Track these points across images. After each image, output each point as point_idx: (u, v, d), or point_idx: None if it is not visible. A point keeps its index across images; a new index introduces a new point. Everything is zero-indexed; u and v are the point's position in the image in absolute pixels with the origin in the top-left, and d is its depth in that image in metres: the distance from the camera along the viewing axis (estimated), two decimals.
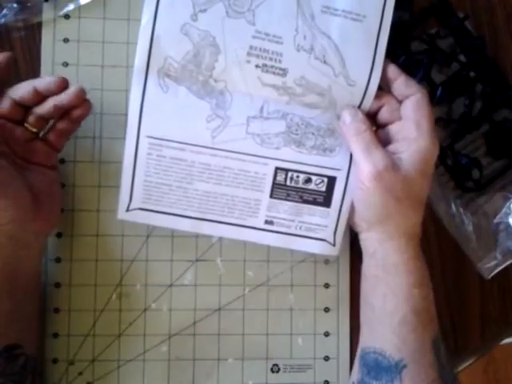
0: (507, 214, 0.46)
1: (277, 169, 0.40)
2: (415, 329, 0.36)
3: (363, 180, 0.37)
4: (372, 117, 0.39)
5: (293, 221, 0.41)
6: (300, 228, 0.41)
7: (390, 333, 0.37)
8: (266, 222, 0.41)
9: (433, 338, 0.37)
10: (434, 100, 0.45)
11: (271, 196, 0.40)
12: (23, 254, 0.37)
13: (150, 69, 0.37)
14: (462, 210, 0.46)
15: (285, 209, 0.41)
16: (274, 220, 0.41)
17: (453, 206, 0.46)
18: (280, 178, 0.40)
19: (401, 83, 0.37)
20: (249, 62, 0.37)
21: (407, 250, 0.38)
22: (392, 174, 0.36)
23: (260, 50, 0.37)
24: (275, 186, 0.40)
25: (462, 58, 0.46)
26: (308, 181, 0.40)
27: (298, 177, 0.40)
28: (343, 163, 0.40)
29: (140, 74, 0.37)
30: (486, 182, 0.46)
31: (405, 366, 0.36)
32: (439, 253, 0.46)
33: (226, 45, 0.37)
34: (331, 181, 0.40)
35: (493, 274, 0.46)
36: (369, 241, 0.39)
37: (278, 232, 0.41)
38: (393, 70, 0.38)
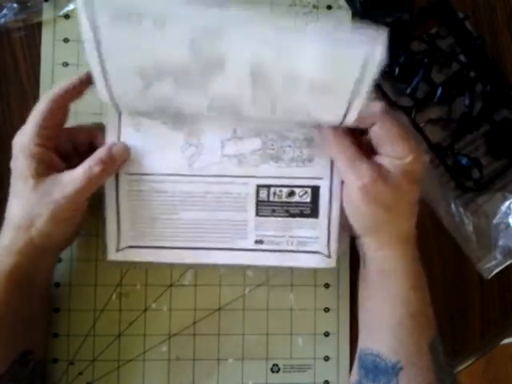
0: (507, 214, 0.46)
1: (258, 186, 0.39)
2: (413, 332, 0.36)
3: (350, 193, 0.36)
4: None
5: (283, 236, 0.40)
6: (291, 243, 0.40)
7: (387, 335, 0.37)
8: (256, 242, 0.40)
9: (430, 340, 0.37)
10: (433, 100, 0.45)
11: (257, 214, 0.39)
12: (42, 263, 0.37)
13: (123, 116, 0.37)
14: (462, 209, 0.46)
15: (273, 226, 0.39)
16: (264, 239, 0.40)
17: (453, 205, 0.46)
18: (263, 195, 0.39)
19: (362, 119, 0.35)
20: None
21: (403, 255, 0.37)
22: (380, 184, 0.35)
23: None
24: (259, 203, 0.39)
25: (462, 58, 0.46)
26: (291, 194, 0.39)
27: (280, 191, 0.39)
28: (324, 171, 0.39)
29: (113, 119, 0.37)
30: (485, 182, 0.46)
31: (401, 369, 0.36)
32: (439, 253, 0.46)
33: (186, 109, 0.36)
34: (315, 190, 0.39)
35: (493, 273, 0.46)
36: (364, 247, 0.39)
37: (269, 250, 0.40)
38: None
